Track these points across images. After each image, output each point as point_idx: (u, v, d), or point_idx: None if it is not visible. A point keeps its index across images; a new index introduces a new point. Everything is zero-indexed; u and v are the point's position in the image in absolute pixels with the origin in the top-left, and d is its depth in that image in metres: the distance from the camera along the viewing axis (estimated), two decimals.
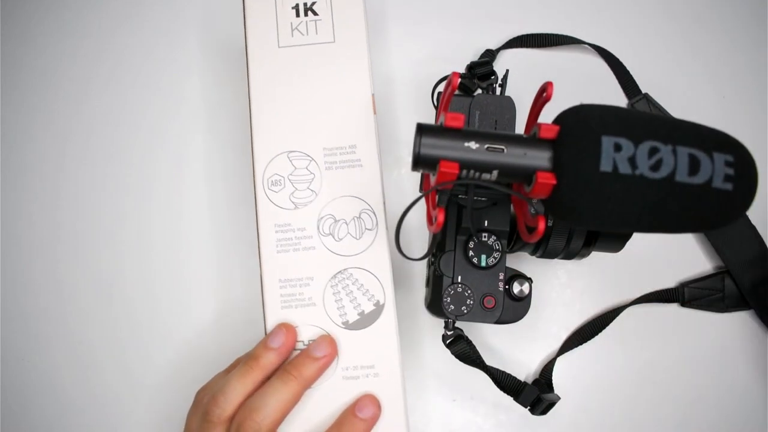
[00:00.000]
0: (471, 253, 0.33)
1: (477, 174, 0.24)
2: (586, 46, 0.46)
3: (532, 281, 0.34)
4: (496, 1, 0.48)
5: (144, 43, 0.46)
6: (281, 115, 0.36)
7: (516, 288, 0.33)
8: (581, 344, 0.43)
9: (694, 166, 0.22)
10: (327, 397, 0.35)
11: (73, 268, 0.43)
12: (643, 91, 0.46)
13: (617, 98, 0.47)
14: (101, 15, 0.46)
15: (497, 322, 0.34)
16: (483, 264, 0.33)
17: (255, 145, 0.36)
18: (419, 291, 0.44)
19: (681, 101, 0.46)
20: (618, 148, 0.22)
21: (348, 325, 0.35)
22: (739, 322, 0.44)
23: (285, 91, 0.37)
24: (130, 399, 0.42)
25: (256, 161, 0.36)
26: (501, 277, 0.33)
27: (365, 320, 0.36)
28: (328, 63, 0.37)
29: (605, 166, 0.22)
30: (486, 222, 0.33)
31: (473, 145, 0.24)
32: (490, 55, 0.45)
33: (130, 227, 0.44)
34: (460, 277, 0.33)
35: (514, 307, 0.34)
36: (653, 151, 0.22)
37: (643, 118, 0.23)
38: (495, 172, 0.24)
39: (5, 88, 0.45)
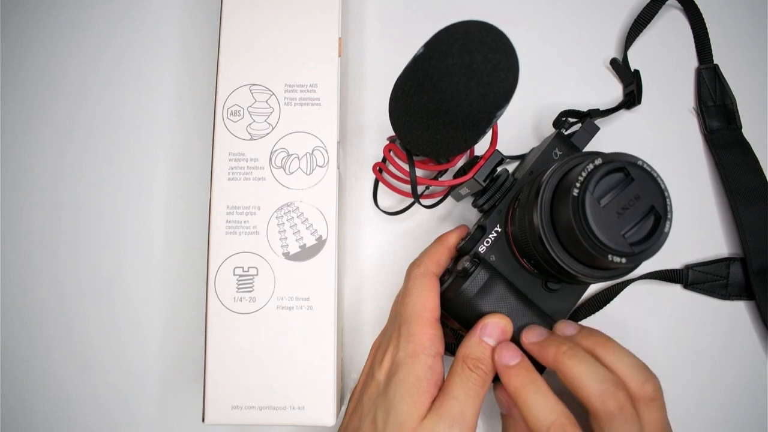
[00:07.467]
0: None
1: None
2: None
3: (477, 263, 0.32)
4: None
5: (144, 43, 0.45)
6: (248, 49, 0.38)
7: (460, 264, 0.32)
8: (584, 318, 0.40)
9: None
10: (260, 325, 0.35)
11: (73, 268, 0.42)
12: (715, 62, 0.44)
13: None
14: (101, 15, 0.45)
15: (442, 294, 0.33)
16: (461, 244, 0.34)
17: (219, 75, 0.37)
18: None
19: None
20: None
21: (288, 257, 0.35)
22: (739, 313, 0.40)
23: (254, 26, 0.38)
24: (130, 398, 0.41)
25: (219, 90, 0.37)
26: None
27: (306, 253, 0.36)
28: (300, 1, 0.38)
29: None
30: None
31: None
32: None
33: (130, 226, 0.43)
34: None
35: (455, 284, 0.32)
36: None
37: None
38: None
39: (5, 88, 0.44)
